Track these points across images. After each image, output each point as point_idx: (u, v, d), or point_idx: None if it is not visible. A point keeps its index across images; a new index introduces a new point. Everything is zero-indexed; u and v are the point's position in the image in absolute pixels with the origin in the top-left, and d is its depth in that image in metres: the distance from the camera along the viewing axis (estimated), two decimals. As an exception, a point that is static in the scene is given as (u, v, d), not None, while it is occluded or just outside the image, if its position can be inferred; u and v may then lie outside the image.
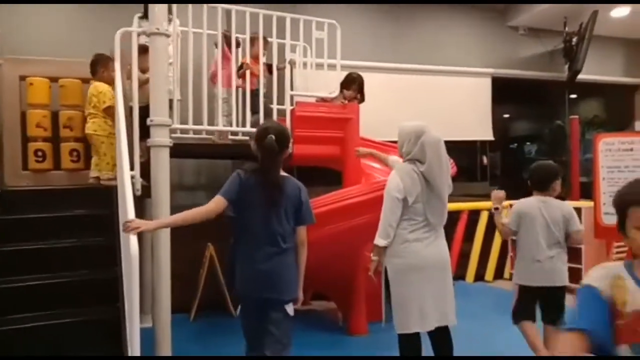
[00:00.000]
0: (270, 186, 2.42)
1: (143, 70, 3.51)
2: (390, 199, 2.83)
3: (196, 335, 4.23)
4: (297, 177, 4.72)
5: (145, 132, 3.20)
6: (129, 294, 2.42)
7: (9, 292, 2.87)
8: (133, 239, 2.31)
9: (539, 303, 3.12)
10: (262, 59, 4.21)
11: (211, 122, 3.97)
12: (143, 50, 3.42)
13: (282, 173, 2.51)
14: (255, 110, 4.02)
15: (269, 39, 4.22)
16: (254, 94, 4.00)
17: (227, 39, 4.02)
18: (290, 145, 3.08)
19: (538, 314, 3.11)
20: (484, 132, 6.67)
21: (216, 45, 4.13)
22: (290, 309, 2.44)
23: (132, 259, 2.26)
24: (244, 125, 4.01)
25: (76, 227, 3.29)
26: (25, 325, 2.72)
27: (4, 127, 4.03)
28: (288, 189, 2.46)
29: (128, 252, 2.35)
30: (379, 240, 2.85)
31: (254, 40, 4.07)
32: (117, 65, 3.56)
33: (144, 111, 3.21)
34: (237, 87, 3.99)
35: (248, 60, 4.01)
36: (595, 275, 1.34)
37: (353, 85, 4.30)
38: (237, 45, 4.09)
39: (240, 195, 2.41)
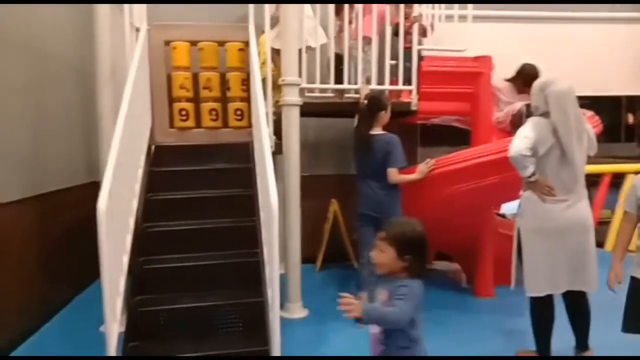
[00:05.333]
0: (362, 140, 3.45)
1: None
2: (520, 138, 2.66)
3: (321, 284, 4.46)
4: (421, 137, 4.69)
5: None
6: (268, 241, 2.62)
7: (159, 236, 3.23)
8: (273, 191, 2.48)
9: None
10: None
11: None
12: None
13: (376, 131, 3.44)
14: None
15: None
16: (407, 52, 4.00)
17: None
18: (385, 107, 3.49)
19: None
20: (632, 86, 5.91)
21: None
22: None
23: (272, 208, 2.44)
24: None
25: (218, 180, 3.58)
26: (172, 265, 3.08)
27: (153, 88, 4.44)
28: (377, 143, 3.39)
29: (268, 202, 2.54)
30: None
31: None
32: (252, 29, 3.73)
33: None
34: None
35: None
36: None
37: (520, 78, 4.04)
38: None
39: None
